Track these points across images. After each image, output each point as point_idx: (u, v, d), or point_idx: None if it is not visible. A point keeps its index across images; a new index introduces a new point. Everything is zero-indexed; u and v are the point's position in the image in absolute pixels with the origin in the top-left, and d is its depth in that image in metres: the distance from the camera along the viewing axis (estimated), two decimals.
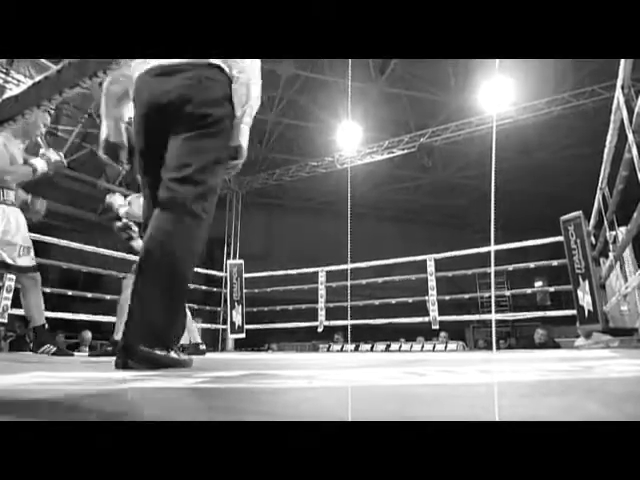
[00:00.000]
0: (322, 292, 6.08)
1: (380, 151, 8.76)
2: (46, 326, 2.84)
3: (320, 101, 9.48)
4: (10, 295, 4.32)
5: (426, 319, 5.39)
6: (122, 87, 1.82)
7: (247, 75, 1.61)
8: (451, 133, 8.21)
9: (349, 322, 5.59)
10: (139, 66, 1.64)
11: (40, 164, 2.76)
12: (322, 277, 6.07)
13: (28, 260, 2.74)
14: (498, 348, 8.58)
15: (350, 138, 8.71)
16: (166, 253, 1.42)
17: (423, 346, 6.99)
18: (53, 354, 2.68)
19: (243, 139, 1.69)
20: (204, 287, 7.38)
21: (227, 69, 1.60)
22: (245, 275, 6.56)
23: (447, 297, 5.56)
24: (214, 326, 7.29)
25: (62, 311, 5.61)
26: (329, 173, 9.50)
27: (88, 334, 6.35)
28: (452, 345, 6.89)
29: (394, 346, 7.17)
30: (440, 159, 10.40)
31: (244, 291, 6.48)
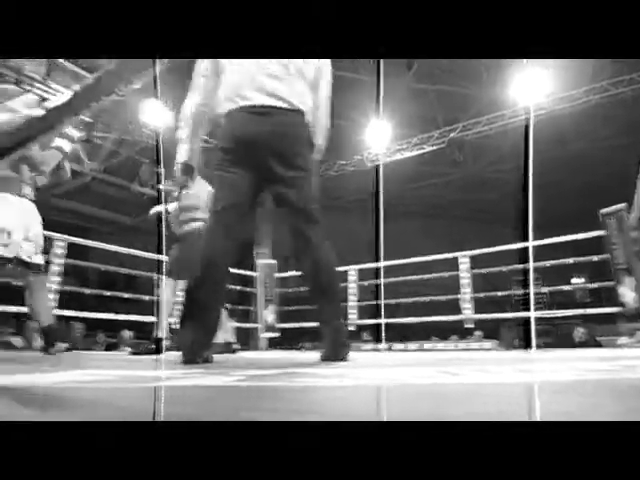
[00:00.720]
0: (353, 291, 6.07)
1: (409, 148, 8.67)
2: (52, 326, 2.75)
3: (348, 99, 9.45)
4: (55, 297, 4.50)
5: (460, 317, 5.30)
6: (209, 111, 1.98)
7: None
8: (483, 127, 8.03)
9: (382, 321, 5.55)
10: (233, 101, 1.82)
11: (65, 144, 2.71)
12: (353, 276, 6.06)
13: (41, 258, 2.70)
14: (534, 347, 8.33)
15: (379, 136, 8.64)
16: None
17: (457, 345, 6.87)
18: (65, 350, 2.62)
19: None
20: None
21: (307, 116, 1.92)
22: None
23: (481, 295, 5.44)
24: (248, 325, 7.39)
25: (101, 311, 5.82)
26: (358, 171, 9.47)
27: (127, 333, 6.56)
28: (487, 344, 6.73)
29: (427, 345, 7.08)
30: (471, 153, 10.19)
31: (277, 290, 6.54)
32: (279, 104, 1.83)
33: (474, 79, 8.71)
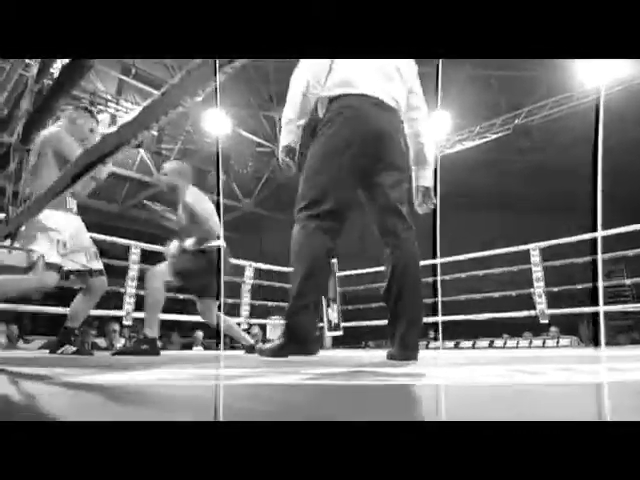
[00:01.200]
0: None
1: (471, 137, 8.35)
2: (76, 332, 2.85)
3: None
4: (132, 300, 4.81)
5: (533, 313, 5.02)
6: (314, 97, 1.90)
7: None
8: (550, 110, 7.56)
9: (442, 318, 5.39)
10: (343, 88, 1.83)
11: (99, 172, 2.68)
12: None
13: (98, 264, 2.86)
14: (617, 343, 7.73)
15: (438, 126, 8.40)
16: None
17: (531, 342, 6.52)
18: (73, 353, 2.69)
19: None
20: None
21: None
22: (339, 273, 6.64)
23: (556, 289, 5.12)
24: None
25: (175, 313, 6.13)
26: None
27: (200, 333, 6.87)
28: (565, 340, 6.33)
29: (498, 342, 6.78)
30: (539, 139, 9.63)
31: (339, 289, 6.56)
32: (392, 103, 1.86)
33: (538, 60, 8.22)
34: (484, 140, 8.31)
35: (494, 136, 8.16)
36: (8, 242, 1.34)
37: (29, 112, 1.28)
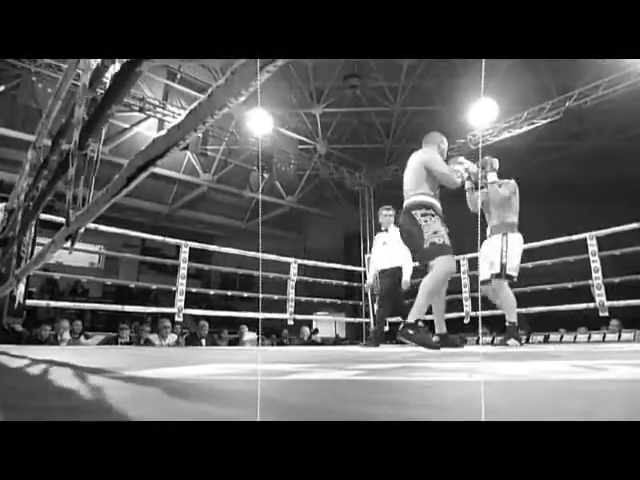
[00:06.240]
0: (465, 281, 5.80)
1: (519, 124, 8.02)
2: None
3: (446, 83, 9.06)
4: (183, 297, 4.98)
5: (591, 305, 4.77)
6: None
7: None
8: (603, 91, 7.11)
9: (484, 312, 5.21)
10: None
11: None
12: (464, 266, 5.79)
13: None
14: None
15: (482, 115, 8.11)
16: None
17: (590, 336, 6.20)
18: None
19: None
20: (345, 282, 7.62)
21: None
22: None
23: (617, 279, 4.83)
24: (357, 320, 7.48)
25: (224, 310, 6.30)
26: (463, 155, 9.00)
27: (246, 329, 7.01)
28: (627, 334, 5.97)
29: (554, 337, 6.50)
30: (592, 122, 9.10)
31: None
32: None
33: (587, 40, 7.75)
34: (533, 126, 7.94)
35: (543, 122, 7.78)
36: (69, 244, 1.42)
37: (84, 120, 1.35)
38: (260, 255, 6.23)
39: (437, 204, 3.05)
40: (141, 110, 7.36)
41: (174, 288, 4.98)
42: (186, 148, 7.62)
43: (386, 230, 4.65)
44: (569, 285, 5.08)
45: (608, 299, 4.66)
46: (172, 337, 5.89)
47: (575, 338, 6.21)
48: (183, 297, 4.99)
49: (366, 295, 6.86)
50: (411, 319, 2.73)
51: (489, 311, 4.57)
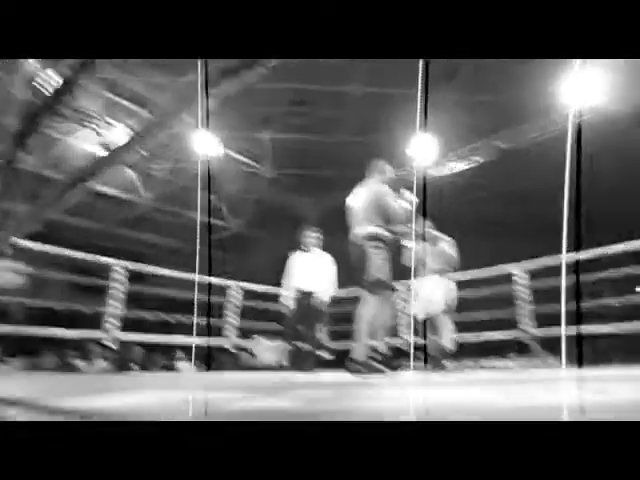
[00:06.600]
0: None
1: (455, 160, 8.51)
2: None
3: (390, 115, 9.47)
4: (114, 320, 4.72)
5: (519, 333, 5.05)
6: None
7: None
8: (532, 135, 7.75)
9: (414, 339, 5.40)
10: None
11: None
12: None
13: None
14: (608, 362, 7.77)
15: (423, 149, 8.53)
16: None
17: (515, 363, 6.52)
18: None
19: None
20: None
21: None
22: None
23: (541, 309, 5.17)
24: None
25: (159, 334, 6.03)
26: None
27: (181, 354, 6.75)
28: (550, 360, 6.35)
29: (484, 363, 6.77)
30: (520, 164, 9.82)
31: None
32: None
33: (518, 87, 8.46)
34: (468, 166, 8.46)
35: (477, 160, 8.32)
36: None
37: (15, 130, 1.29)
38: (206, 278, 6.08)
39: (387, 236, 3.17)
40: (79, 121, 7.06)
41: (104, 310, 4.72)
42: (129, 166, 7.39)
43: (308, 252, 4.63)
44: (499, 314, 5.37)
45: (534, 327, 4.97)
46: (100, 362, 5.54)
47: (504, 365, 6.52)
48: (115, 320, 4.74)
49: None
50: (357, 356, 2.89)
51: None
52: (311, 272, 4.48)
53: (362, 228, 3.15)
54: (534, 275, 5.24)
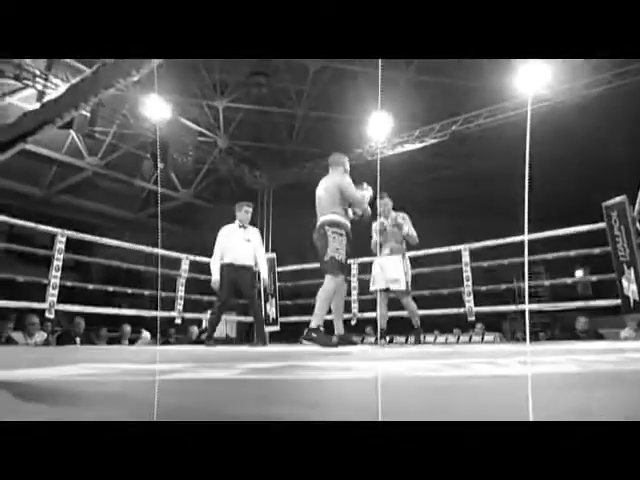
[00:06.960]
0: (354, 284, 6.07)
1: (411, 140, 8.63)
2: None
3: (349, 93, 9.41)
4: (56, 292, 4.51)
5: (461, 310, 5.29)
6: None
7: None
8: (484, 119, 7.98)
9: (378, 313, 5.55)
10: None
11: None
12: (354, 269, 6.06)
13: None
14: (537, 339, 8.34)
15: (380, 129, 8.59)
16: None
17: (459, 338, 6.88)
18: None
19: None
20: None
21: None
22: (278, 269, 6.61)
23: (483, 288, 5.43)
24: (249, 319, 7.40)
25: (104, 306, 5.82)
26: (358, 165, 9.42)
27: (127, 328, 6.56)
28: (489, 337, 6.74)
29: (429, 338, 7.09)
30: (474, 146, 10.12)
31: (277, 284, 6.54)
32: None
33: (475, 71, 8.64)
34: (423, 144, 8.61)
35: (432, 141, 8.48)
36: None
37: None
38: (155, 250, 5.88)
39: (347, 224, 3.46)
40: (17, 78, 6.52)
41: (46, 281, 4.48)
42: (69, 127, 6.88)
43: (244, 227, 4.57)
44: (444, 291, 5.58)
45: (475, 305, 5.22)
46: (41, 335, 5.28)
47: (447, 339, 6.84)
48: (56, 291, 4.52)
49: (259, 294, 6.82)
50: (314, 325, 3.11)
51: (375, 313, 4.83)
52: (251, 248, 4.48)
53: (325, 216, 3.41)
54: (480, 254, 5.46)
